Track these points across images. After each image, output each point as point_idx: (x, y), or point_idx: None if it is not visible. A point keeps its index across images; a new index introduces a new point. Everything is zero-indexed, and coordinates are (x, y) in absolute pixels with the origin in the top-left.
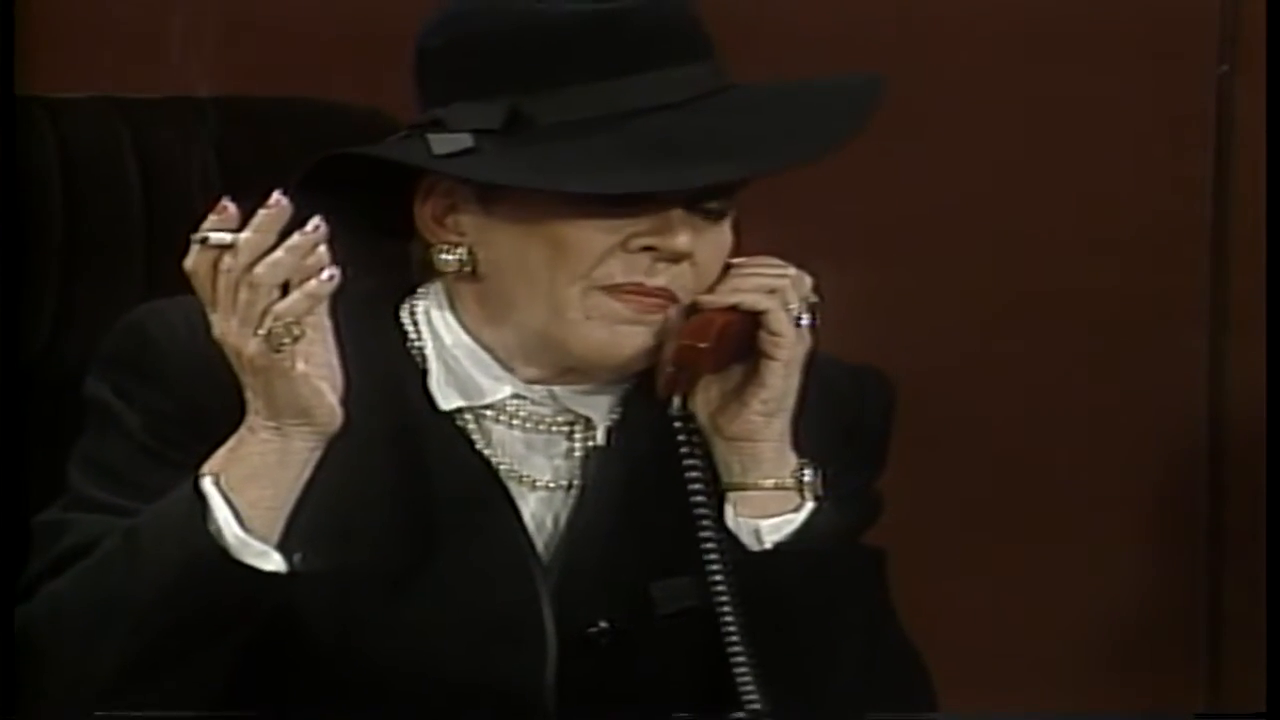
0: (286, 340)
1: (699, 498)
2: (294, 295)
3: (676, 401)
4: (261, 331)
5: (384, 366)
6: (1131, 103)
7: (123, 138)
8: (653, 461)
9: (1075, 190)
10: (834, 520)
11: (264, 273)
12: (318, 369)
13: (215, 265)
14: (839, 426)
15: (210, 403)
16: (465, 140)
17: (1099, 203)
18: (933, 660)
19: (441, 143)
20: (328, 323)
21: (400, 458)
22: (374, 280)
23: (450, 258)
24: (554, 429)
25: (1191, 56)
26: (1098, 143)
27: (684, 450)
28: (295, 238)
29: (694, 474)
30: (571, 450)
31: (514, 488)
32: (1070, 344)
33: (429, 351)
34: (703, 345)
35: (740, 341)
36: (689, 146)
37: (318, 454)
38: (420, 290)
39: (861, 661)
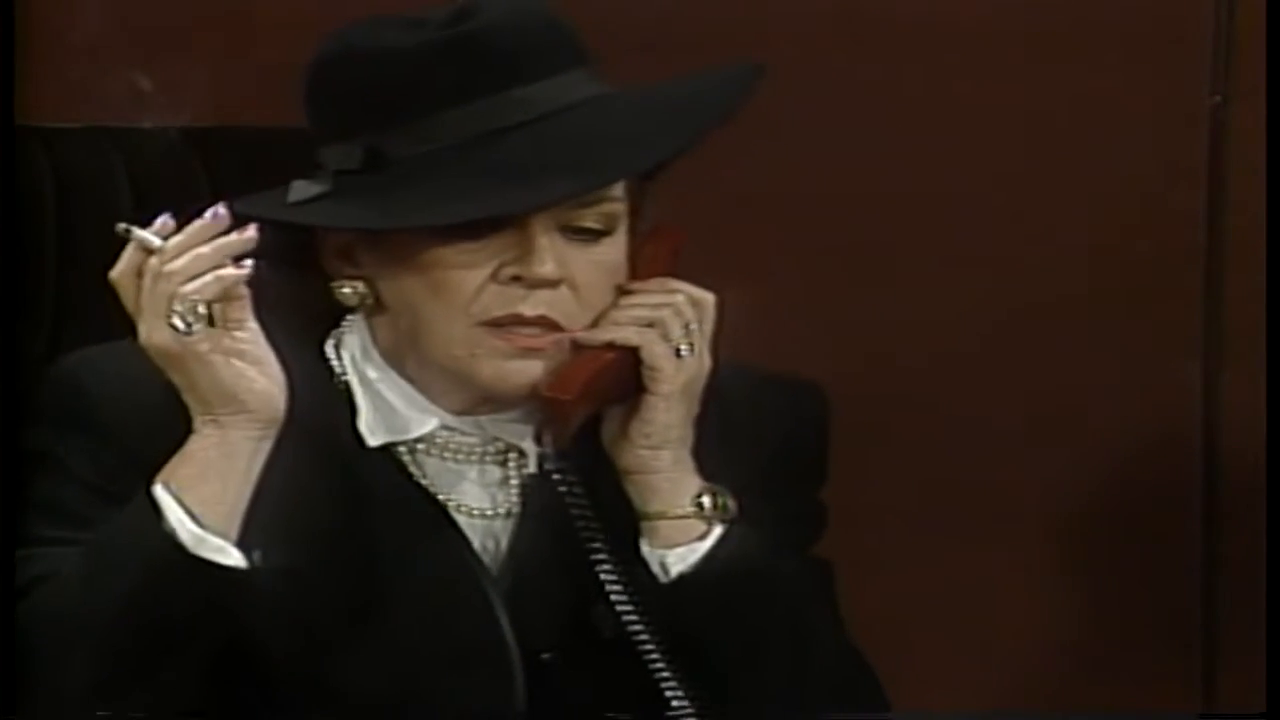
0: (193, 321)
1: (594, 543)
2: (203, 278)
3: (549, 454)
4: (173, 318)
5: (314, 402)
6: (1126, 132)
7: (116, 167)
8: (587, 486)
9: (1069, 218)
10: (751, 543)
11: (177, 266)
12: (250, 364)
13: (139, 273)
14: (773, 442)
15: (148, 450)
16: (323, 185)
17: (1093, 231)
18: (933, 660)
19: (297, 190)
20: (256, 325)
21: (345, 491)
22: (300, 315)
23: (349, 291)
24: (486, 458)
25: (1185, 87)
26: (1092, 172)
27: (568, 500)
28: (199, 225)
29: (582, 521)
30: (507, 478)
31: (456, 516)
32: (1067, 364)
33: (355, 386)
34: (566, 398)
35: (620, 379)
36: (535, 165)
37: (265, 446)
38: (344, 323)
39: (794, 679)
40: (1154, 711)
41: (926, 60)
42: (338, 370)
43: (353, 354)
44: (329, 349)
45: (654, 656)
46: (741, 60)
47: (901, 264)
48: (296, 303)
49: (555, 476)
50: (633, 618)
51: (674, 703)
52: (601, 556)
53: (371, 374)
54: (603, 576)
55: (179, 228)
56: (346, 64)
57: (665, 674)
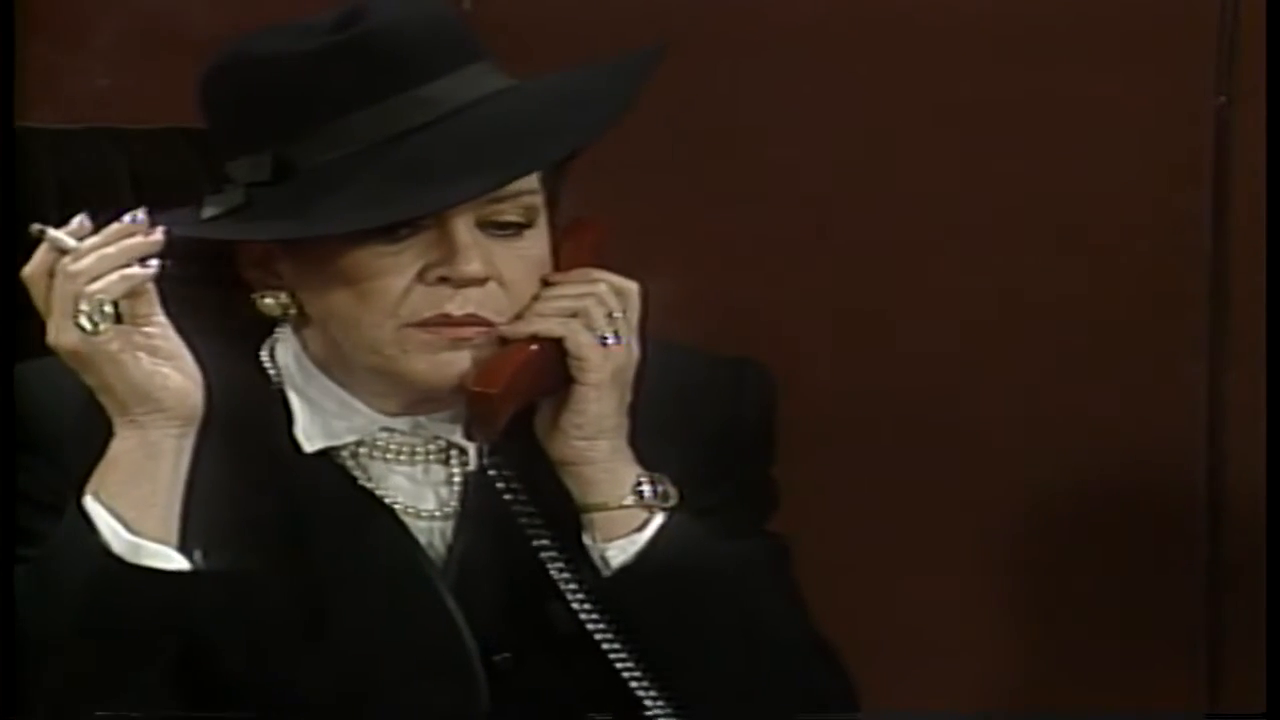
0: (100, 320)
1: (542, 539)
2: (110, 277)
3: (473, 450)
4: (79, 318)
5: (253, 408)
6: (1130, 133)
7: (119, 168)
8: (527, 481)
9: (1073, 219)
10: (693, 531)
11: (82, 266)
12: (164, 360)
13: (51, 272)
14: (719, 422)
15: (83, 461)
16: (236, 198)
17: (1098, 236)
18: (939, 658)
19: (211, 205)
20: (165, 319)
21: (290, 497)
22: (235, 322)
23: (271, 302)
24: (430, 457)
25: (1190, 88)
26: (1095, 175)
27: (506, 497)
28: (116, 227)
29: (524, 518)
30: (450, 477)
31: (404, 519)
32: (1071, 365)
33: (290, 393)
34: (492, 391)
35: (547, 371)
36: (442, 165)
37: (188, 444)
38: (278, 330)
39: (748, 667)
40: (1159, 712)
41: (929, 58)
42: (273, 376)
43: (286, 360)
44: (264, 355)
45: (613, 651)
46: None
47: (904, 264)
48: (231, 310)
49: (491, 473)
50: (590, 613)
51: (645, 700)
52: (551, 553)
53: (305, 380)
54: (553, 573)
55: (97, 229)
56: (243, 74)
57: (626, 668)
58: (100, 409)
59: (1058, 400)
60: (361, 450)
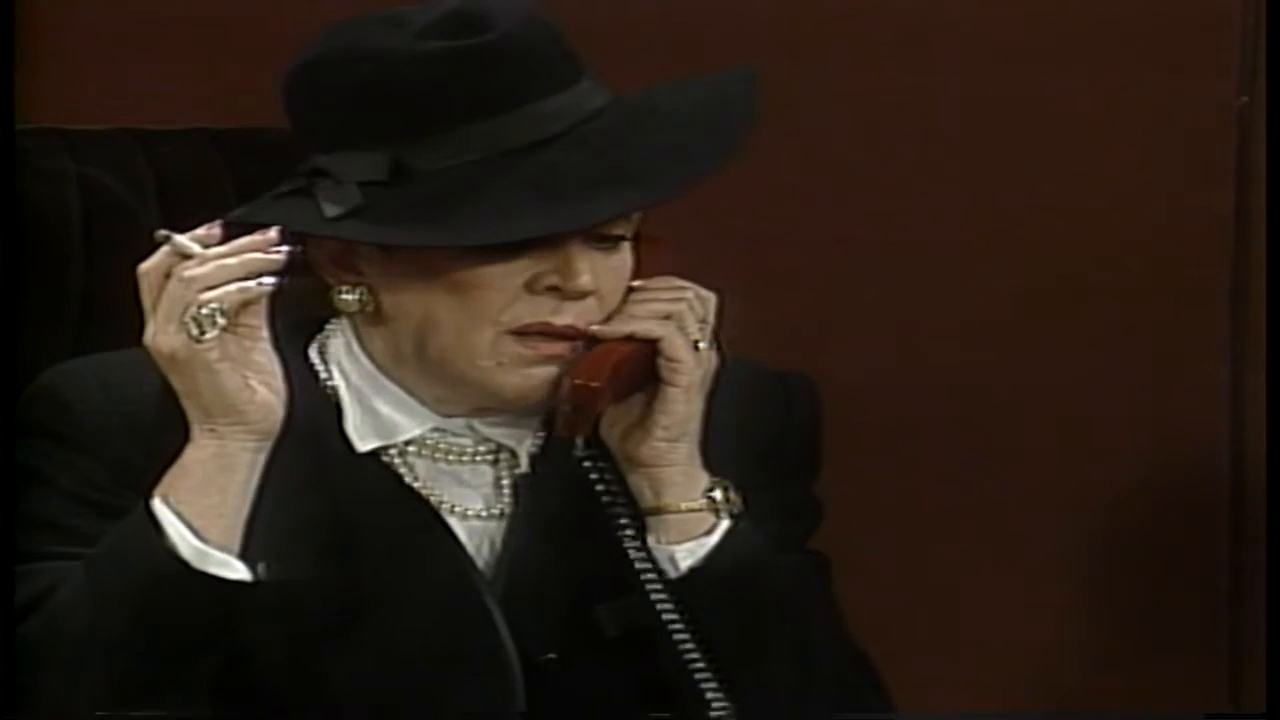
0: (207, 328)
1: (627, 531)
2: (227, 288)
3: (580, 441)
4: (187, 320)
5: (302, 409)
6: (1154, 133)
7: (141, 168)
8: (581, 485)
9: (1096, 223)
10: (755, 537)
11: (200, 274)
12: (255, 374)
13: (167, 273)
14: (768, 434)
15: (133, 460)
16: (355, 197)
17: (1119, 235)
18: (945, 657)
19: (332, 204)
20: (267, 333)
21: (337, 498)
22: (282, 321)
23: (350, 298)
24: (478, 458)
25: (1213, 87)
26: (1118, 175)
27: (599, 488)
28: (243, 240)
29: (615, 509)
30: (498, 479)
31: (449, 519)
32: (1093, 366)
33: (342, 391)
34: (596, 384)
35: (639, 370)
36: (580, 180)
37: (261, 458)
38: (328, 326)
39: (798, 673)
40: (1178, 712)
41: (954, 60)
42: (323, 376)
43: (338, 359)
44: (313, 354)
45: (683, 643)
46: (746, 61)
47: (924, 264)
48: (279, 309)
49: (585, 463)
50: (665, 604)
51: (708, 695)
52: (634, 542)
53: (361, 378)
54: (638, 565)
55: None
56: (353, 69)
57: (696, 665)
58: (154, 410)
59: (1078, 401)
60: (410, 449)
